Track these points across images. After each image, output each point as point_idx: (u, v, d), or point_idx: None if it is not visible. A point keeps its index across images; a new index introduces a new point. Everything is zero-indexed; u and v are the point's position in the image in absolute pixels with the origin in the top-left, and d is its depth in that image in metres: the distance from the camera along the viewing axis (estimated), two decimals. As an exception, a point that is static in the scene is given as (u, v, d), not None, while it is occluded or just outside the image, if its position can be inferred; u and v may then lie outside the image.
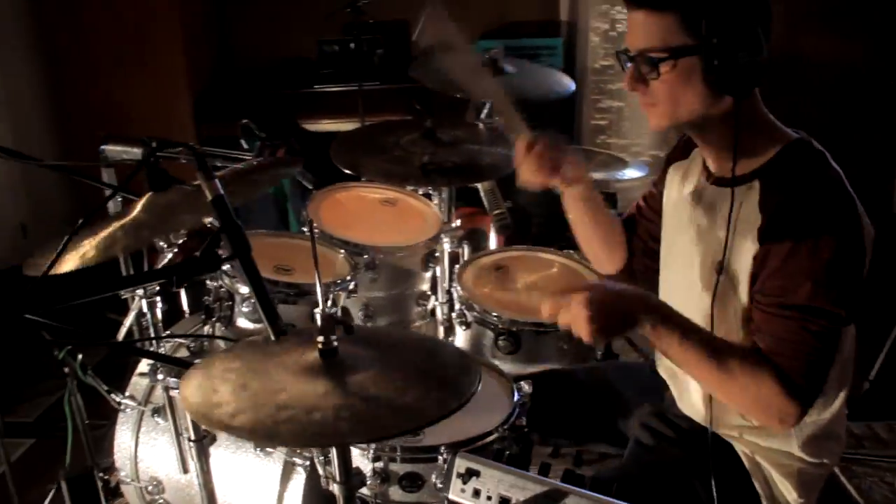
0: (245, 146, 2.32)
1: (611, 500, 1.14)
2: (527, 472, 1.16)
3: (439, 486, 1.62)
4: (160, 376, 1.74)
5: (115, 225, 1.52)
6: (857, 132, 3.95)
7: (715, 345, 1.43)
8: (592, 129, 4.36)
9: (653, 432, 1.73)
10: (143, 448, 2.15)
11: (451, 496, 1.19)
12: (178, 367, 1.67)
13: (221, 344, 2.02)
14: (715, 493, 1.48)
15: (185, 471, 1.95)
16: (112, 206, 2.36)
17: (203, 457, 1.83)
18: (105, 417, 2.37)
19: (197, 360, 1.58)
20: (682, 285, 1.62)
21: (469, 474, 1.16)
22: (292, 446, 1.86)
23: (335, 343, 1.23)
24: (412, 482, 1.68)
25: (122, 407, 2.17)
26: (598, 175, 2.45)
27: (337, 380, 1.22)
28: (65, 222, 4.47)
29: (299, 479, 1.97)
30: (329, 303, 1.98)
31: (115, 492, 2.66)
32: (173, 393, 1.73)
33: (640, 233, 1.84)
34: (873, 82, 4.09)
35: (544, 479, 1.15)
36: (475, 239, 3.88)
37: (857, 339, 1.55)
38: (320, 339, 1.22)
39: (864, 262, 1.42)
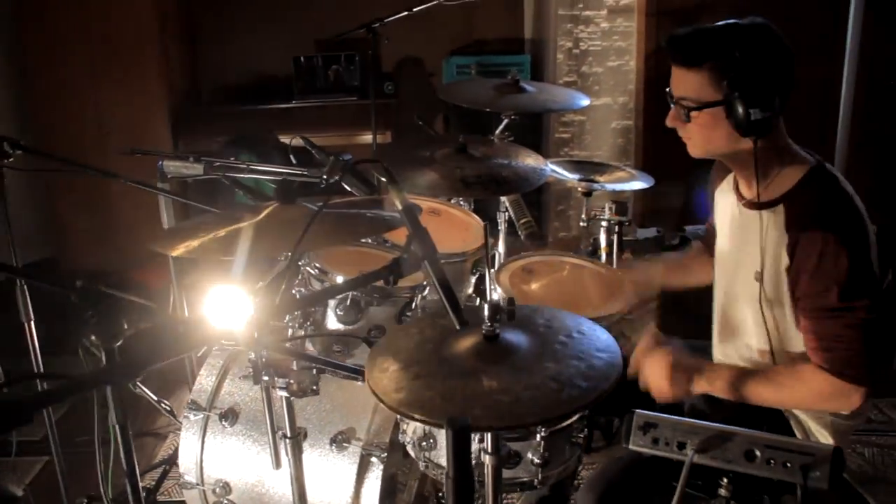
0: (293, 162, 2.43)
1: (771, 435, 1.37)
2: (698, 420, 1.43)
3: (536, 461, 1.83)
4: (265, 377, 1.84)
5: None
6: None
7: (757, 371, 1.78)
8: (556, 142, 4.61)
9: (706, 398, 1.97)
10: (209, 452, 2.23)
11: (632, 447, 1.43)
12: (351, 373, 1.82)
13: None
14: None
15: (278, 466, 2.05)
16: (165, 218, 2.45)
17: (297, 452, 1.95)
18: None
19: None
20: (732, 291, 1.92)
21: (647, 426, 1.39)
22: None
23: (497, 330, 1.43)
24: (508, 459, 1.85)
25: (186, 414, 2.25)
26: (613, 185, 2.68)
27: (510, 363, 1.41)
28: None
29: (376, 471, 2.10)
30: (414, 303, 2.13)
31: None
32: (280, 392, 1.84)
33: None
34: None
35: (711, 424, 1.42)
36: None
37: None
38: (486, 326, 1.43)
39: (872, 257, 1.70)
